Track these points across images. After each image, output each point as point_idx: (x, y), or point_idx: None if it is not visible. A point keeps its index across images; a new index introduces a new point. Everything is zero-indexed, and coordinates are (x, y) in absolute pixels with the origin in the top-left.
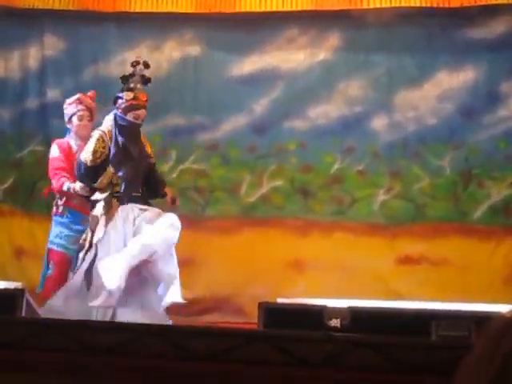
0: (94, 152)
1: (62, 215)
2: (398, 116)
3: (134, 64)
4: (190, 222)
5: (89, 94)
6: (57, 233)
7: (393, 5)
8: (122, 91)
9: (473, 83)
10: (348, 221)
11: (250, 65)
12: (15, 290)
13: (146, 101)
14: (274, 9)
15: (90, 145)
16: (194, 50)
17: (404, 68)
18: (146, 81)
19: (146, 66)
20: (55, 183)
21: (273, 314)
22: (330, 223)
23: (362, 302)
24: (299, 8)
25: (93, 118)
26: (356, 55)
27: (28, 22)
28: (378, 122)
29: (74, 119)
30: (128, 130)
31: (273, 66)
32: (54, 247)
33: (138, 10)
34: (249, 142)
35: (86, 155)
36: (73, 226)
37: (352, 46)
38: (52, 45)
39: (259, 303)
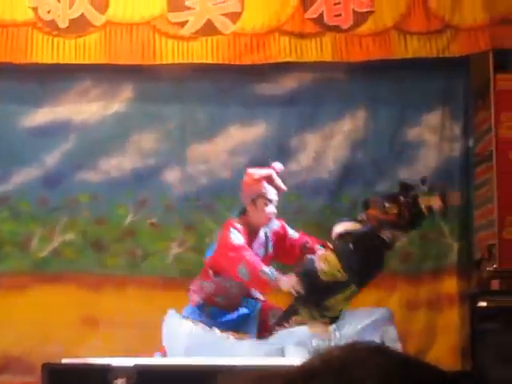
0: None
1: (201, 312)
2: (190, 169)
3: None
4: None
5: (276, 168)
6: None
7: (185, 61)
8: (388, 201)
9: (264, 137)
10: (141, 275)
11: (41, 116)
12: None
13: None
14: (67, 61)
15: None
16: None
17: (196, 121)
18: (428, 208)
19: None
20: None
21: (57, 374)
22: (123, 277)
23: (155, 360)
24: (92, 61)
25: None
26: (149, 108)
27: None
28: (171, 175)
29: (260, 203)
30: (373, 250)
31: (65, 118)
32: None
33: None
34: (40, 194)
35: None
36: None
37: (145, 98)
38: None
39: (42, 364)
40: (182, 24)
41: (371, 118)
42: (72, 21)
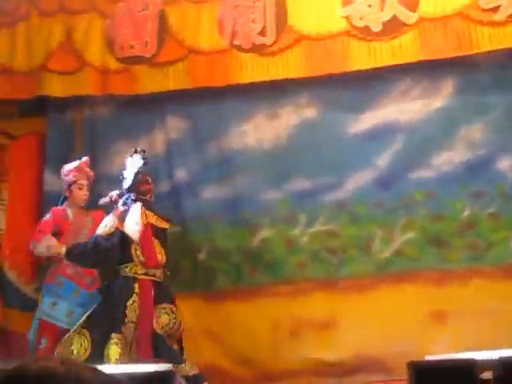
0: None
1: (55, 285)
2: None
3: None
4: (325, 283)
5: (83, 160)
6: (49, 304)
7: (503, 46)
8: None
9: None
10: (485, 266)
11: (367, 120)
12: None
13: None
14: (384, 64)
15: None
16: (311, 112)
17: None
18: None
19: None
20: (37, 236)
21: (423, 372)
22: (466, 270)
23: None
24: (408, 60)
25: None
26: (472, 99)
27: (149, 107)
28: (503, 163)
29: (74, 188)
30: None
31: (390, 119)
32: (49, 319)
33: (249, 80)
34: (375, 197)
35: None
36: (67, 297)
37: (467, 90)
38: (174, 126)
39: (408, 362)
40: (495, 9)
41: None
42: (385, 23)
